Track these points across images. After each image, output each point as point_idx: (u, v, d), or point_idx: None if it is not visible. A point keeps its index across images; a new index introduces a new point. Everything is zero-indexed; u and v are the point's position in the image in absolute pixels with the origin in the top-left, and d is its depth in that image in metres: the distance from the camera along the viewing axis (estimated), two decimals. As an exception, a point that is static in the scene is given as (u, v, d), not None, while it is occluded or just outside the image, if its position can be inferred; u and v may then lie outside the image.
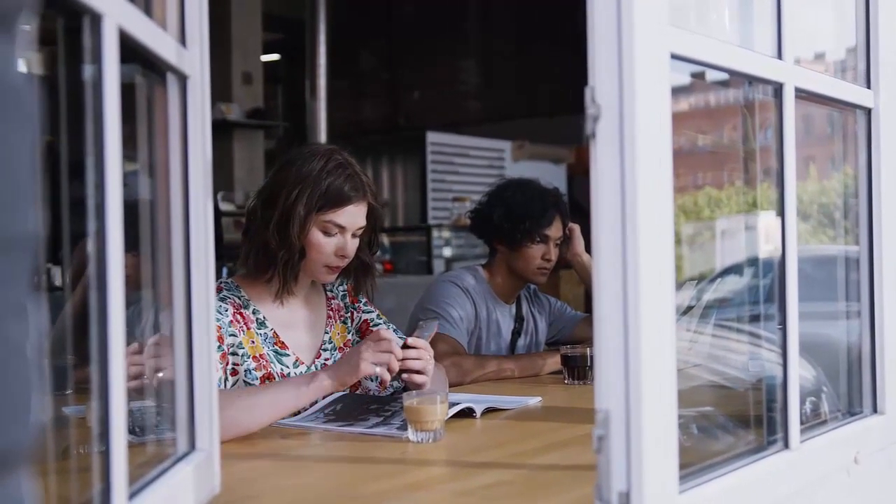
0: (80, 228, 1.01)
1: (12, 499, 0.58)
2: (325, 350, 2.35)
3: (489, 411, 2.19)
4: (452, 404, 2.04)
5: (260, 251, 2.23)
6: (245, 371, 2.16)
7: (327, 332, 2.37)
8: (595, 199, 1.18)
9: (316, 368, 2.27)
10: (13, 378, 0.57)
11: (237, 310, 2.21)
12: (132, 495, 1.07)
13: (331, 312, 2.40)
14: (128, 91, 1.07)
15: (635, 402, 1.16)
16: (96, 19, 0.99)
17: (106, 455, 0.99)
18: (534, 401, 2.36)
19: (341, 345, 2.38)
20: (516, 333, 3.13)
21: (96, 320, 0.98)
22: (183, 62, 1.32)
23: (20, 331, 0.58)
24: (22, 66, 0.61)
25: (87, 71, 1.00)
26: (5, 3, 0.59)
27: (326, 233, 2.21)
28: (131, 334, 1.07)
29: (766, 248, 1.85)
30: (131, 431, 1.09)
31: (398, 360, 2.06)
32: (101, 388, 0.99)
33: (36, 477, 0.63)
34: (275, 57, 10.76)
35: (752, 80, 1.56)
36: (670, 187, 1.23)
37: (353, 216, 2.23)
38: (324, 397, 2.14)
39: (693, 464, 1.32)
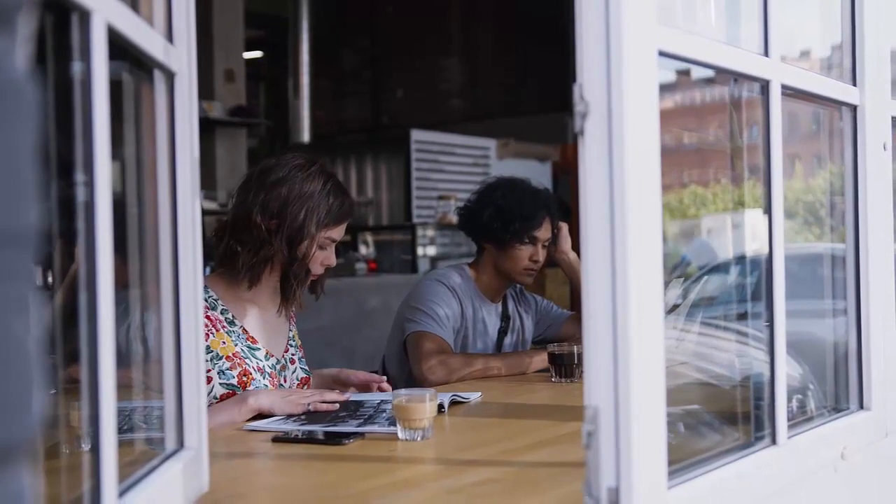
0: (68, 227, 1.00)
1: (13, 493, 0.58)
2: (291, 346, 2.45)
3: (454, 404, 2.25)
4: None
5: (261, 264, 2.27)
6: (219, 373, 2.18)
7: (291, 330, 2.48)
8: (583, 195, 1.18)
9: (284, 361, 2.39)
10: (16, 373, 0.57)
11: (204, 312, 2.21)
12: (121, 493, 1.07)
13: (292, 313, 2.49)
14: (114, 88, 1.06)
15: (624, 397, 1.16)
16: (85, 15, 0.98)
17: (96, 453, 0.98)
18: (474, 396, 2.38)
19: (299, 344, 2.50)
20: (503, 332, 3.13)
21: (86, 320, 0.98)
22: (170, 59, 1.32)
23: (22, 326, 0.58)
24: (22, 62, 0.60)
25: (76, 67, 0.99)
26: None
27: (322, 247, 2.31)
28: (117, 334, 1.06)
29: (752, 246, 1.86)
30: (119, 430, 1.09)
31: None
32: (91, 388, 0.98)
33: (36, 472, 0.63)
34: (257, 54, 10.72)
35: (739, 76, 1.57)
36: (658, 184, 1.23)
37: (344, 230, 2.37)
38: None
39: (682, 460, 1.33)
